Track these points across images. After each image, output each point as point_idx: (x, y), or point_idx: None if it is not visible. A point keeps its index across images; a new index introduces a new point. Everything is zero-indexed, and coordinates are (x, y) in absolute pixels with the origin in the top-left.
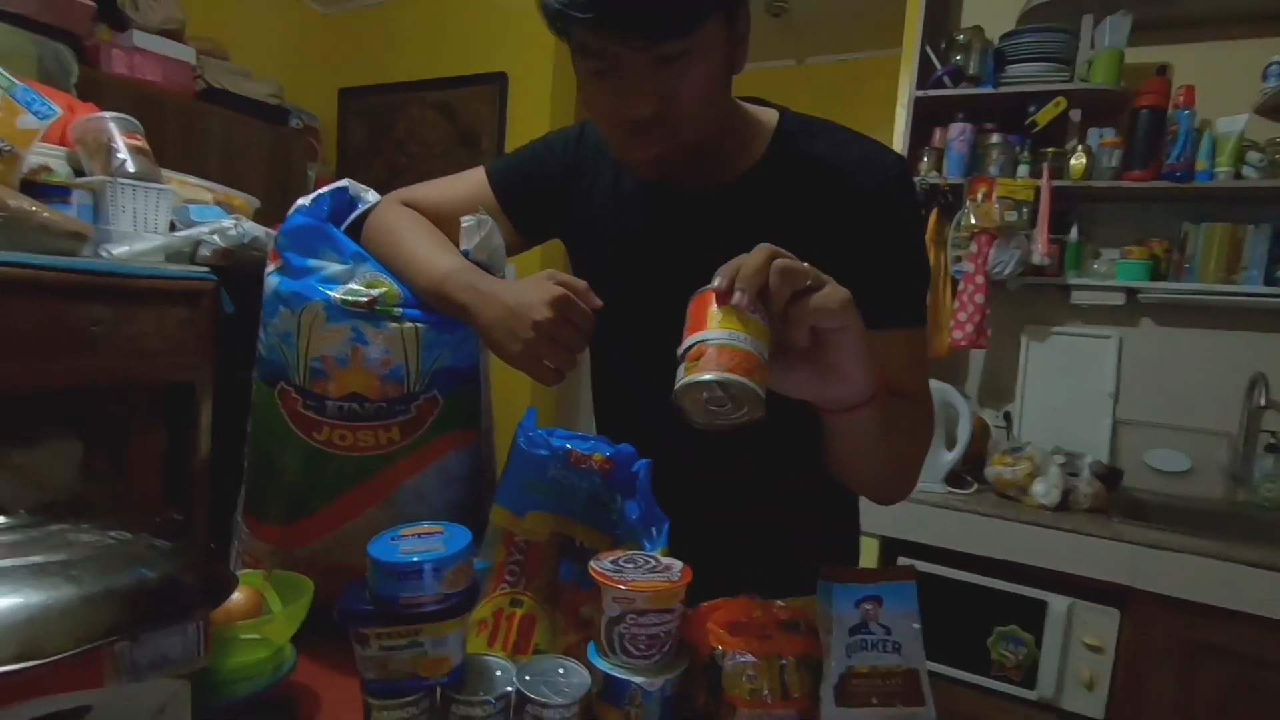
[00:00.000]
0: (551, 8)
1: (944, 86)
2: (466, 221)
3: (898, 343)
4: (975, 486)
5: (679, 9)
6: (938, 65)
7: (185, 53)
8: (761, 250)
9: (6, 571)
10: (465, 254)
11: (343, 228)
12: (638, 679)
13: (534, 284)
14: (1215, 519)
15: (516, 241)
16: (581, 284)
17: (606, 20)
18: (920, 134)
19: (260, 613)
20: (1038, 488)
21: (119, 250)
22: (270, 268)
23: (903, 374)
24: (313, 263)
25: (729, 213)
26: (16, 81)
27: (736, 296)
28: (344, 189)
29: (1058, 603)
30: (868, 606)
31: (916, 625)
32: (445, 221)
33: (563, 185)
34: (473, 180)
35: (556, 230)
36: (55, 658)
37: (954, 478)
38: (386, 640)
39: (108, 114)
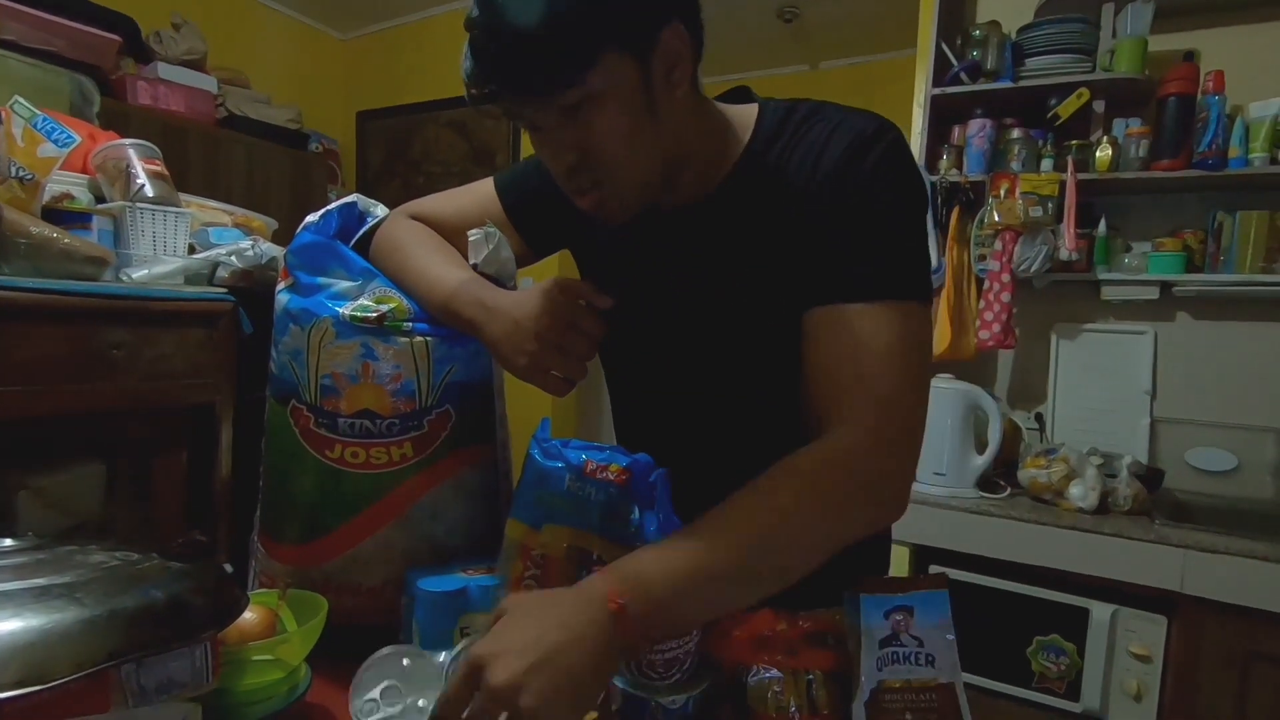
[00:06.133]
0: (467, 90)
1: (961, 83)
2: (474, 235)
3: (876, 318)
4: (1008, 491)
5: (556, 62)
6: (954, 62)
7: (207, 82)
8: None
9: (10, 595)
10: (474, 267)
11: (352, 243)
12: (657, 697)
13: (538, 293)
14: (1267, 519)
15: (526, 254)
16: (586, 286)
17: (495, 87)
18: (938, 132)
19: (275, 633)
20: (1074, 491)
21: (138, 274)
22: (281, 285)
23: (874, 360)
24: (322, 280)
25: (708, 227)
26: (37, 112)
27: None
28: (352, 204)
29: (1100, 610)
30: (898, 618)
31: (950, 636)
32: (453, 234)
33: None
34: (481, 192)
35: (565, 242)
36: (58, 682)
37: (986, 482)
38: None
39: (126, 141)
